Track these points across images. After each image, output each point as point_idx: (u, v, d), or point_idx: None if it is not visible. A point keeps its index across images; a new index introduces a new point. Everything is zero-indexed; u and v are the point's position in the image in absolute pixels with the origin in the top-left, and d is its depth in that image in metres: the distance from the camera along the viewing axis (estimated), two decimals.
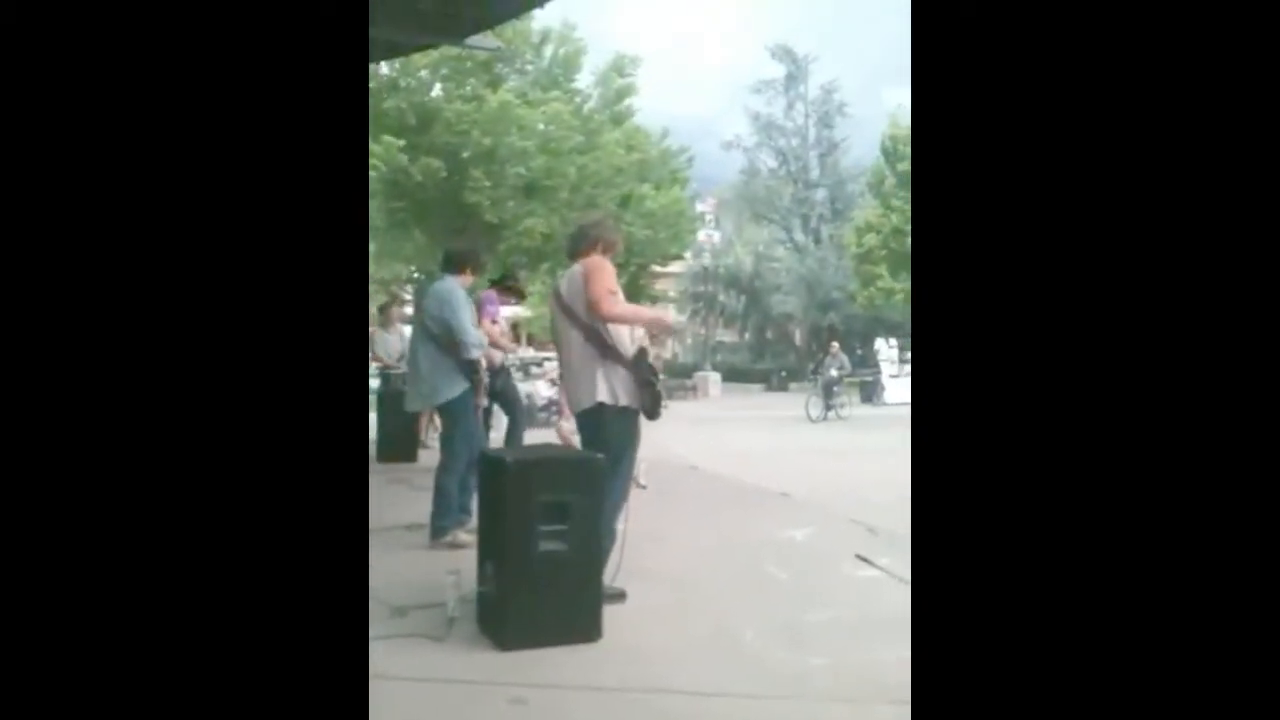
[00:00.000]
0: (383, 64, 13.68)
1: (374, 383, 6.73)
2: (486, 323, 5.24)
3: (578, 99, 17.84)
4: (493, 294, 5.48)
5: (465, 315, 4.03)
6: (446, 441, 4.21)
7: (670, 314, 3.37)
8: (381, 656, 2.55)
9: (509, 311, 7.67)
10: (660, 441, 6.60)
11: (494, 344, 5.22)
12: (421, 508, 4.27)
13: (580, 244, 3.33)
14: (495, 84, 16.14)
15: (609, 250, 3.32)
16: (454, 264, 4.25)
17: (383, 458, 6.90)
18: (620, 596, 3.08)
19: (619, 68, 18.43)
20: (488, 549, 2.88)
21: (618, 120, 18.45)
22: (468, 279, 4.28)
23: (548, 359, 6.27)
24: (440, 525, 4.02)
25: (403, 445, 6.91)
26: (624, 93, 18.63)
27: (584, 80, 18.28)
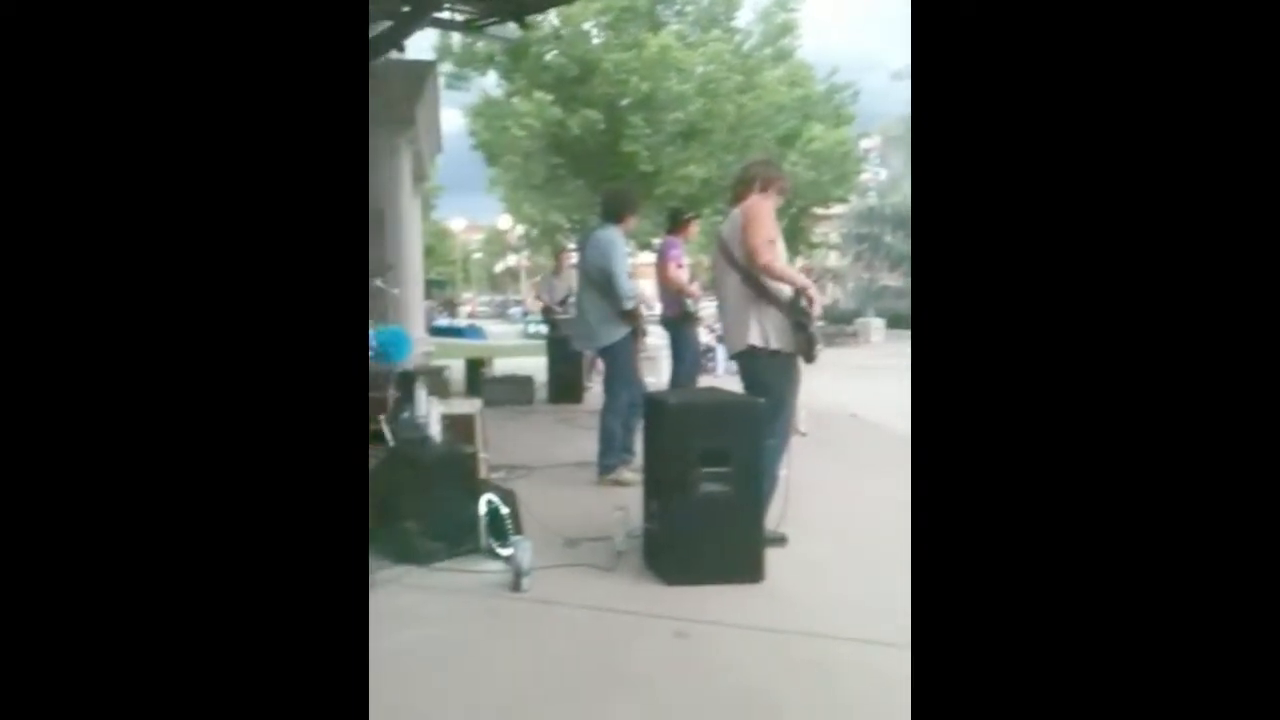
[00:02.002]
0: (551, 13, 13.90)
1: (541, 328, 7.07)
2: (672, 267, 5.25)
3: (737, 37, 17.30)
4: (674, 240, 5.43)
5: (621, 265, 4.10)
6: (608, 384, 4.36)
7: (816, 291, 3.20)
8: (553, 583, 2.75)
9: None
10: (820, 389, 6.46)
11: (683, 291, 5.22)
12: (586, 446, 4.48)
13: (740, 185, 3.29)
14: (655, 28, 15.98)
15: (768, 189, 3.23)
16: (612, 212, 4.31)
17: (552, 399, 7.29)
18: (782, 541, 3.09)
19: (781, 2, 17.61)
20: (653, 488, 2.97)
21: (780, 57, 17.72)
22: (628, 225, 4.34)
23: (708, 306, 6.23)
24: (606, 464, 4.20)
25: (569, 387, 7.24)
26: (786, 28, 17.81)
27: (744, 18, 17.67)
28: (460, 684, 2.07)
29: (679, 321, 5.28)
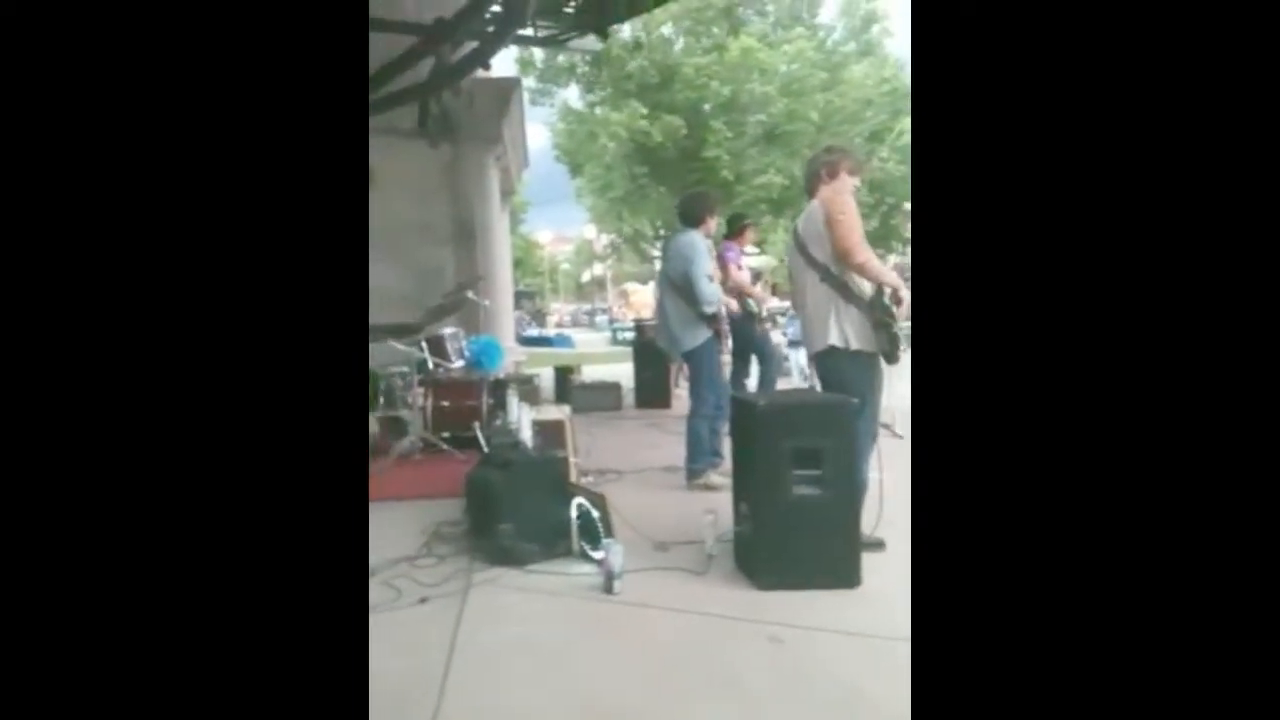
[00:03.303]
0: (625, 25, 14.07)
1: (629, 334, 7.15)
2: (733, 269, 5.26)
3: (820, 33, 17.01)
4: (731, 244, 5.48)
5: (700, 269, 4.08)
6: (693, 388, 4.34)
7: (905, 288, 3.06)
8: (645, 586, 2.75)
9: (761, 261, 7.55)
10: None
11: (745, 293, 5.23)
12: (674, 450, 4.47)
13: (809, 179, 3.20)
14: (736, 30, 15.91)
15: (835, 174, 3.10)
16: (691, 216, 4.31)
17: (639, 404, 7.33)
18: (879, 545, 2.99)
19: None
20: (742, 491, 2.94)
21: (866, 51, 17.32)
22: (709, 227, 4.32)
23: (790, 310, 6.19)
24: (694, 468, 4.18)
25: (656, 392, 7.27)
26: (871, 19, 17.40)
27: (827, 13, 17.37)
28: (554, 683, 2.10)
29: (744, 322, 5.26)
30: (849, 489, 2.74)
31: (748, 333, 5.34)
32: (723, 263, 5.24)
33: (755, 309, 5.29)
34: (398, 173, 8.17)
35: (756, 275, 5.59)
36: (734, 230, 5.63)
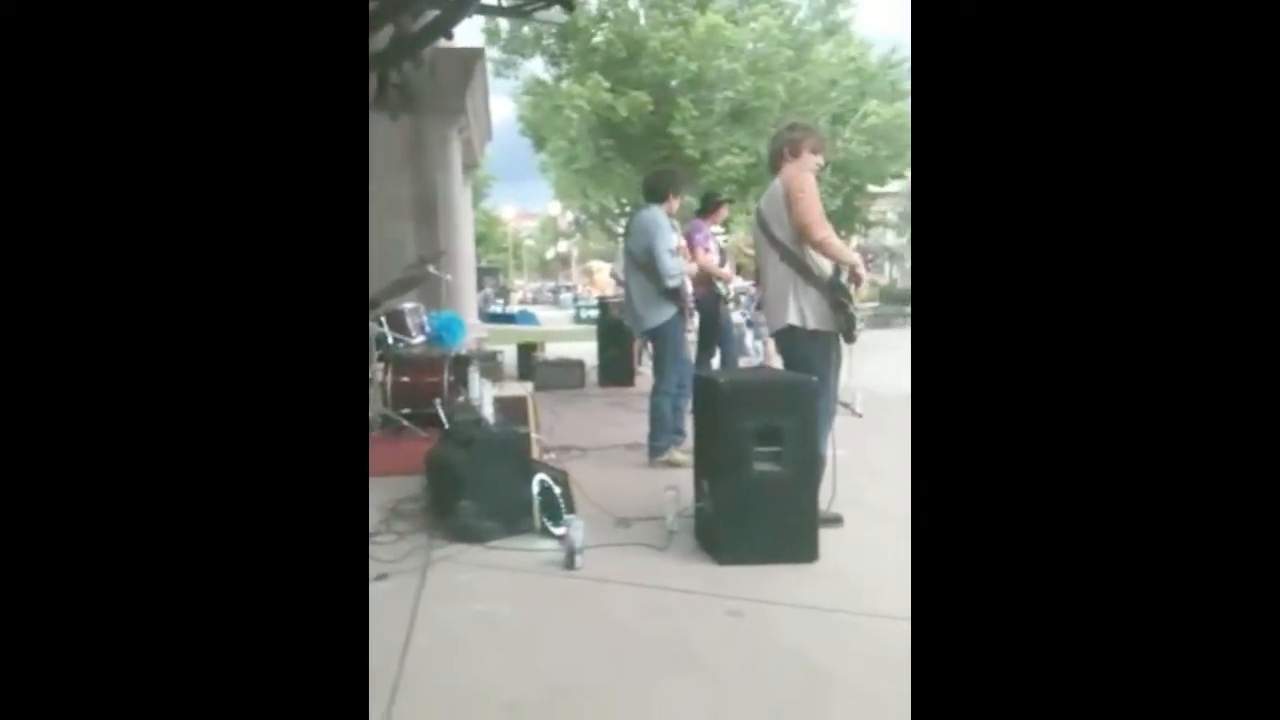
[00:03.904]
0: None
1: (593, 312, 7.10)
2: (700, 251, 5.26)
3: (787, 11, 16.94)
4: (700, 223, 5.48)
5: (663, 244, 4.08)
6: (657, 365, 4.35)
7: (864, 267, 3.08)
8: (606, 562, 2.77)
9: (729, 240, 7.52)
10: (876, 371, 6.33)
11: (712, 274, 5.24)
12: (638, 428, 4.48)
13: (773, 157, 3.20)
14: (703, 6, 15.76)
15: (799, 152, 3.11)
16: (655, 192, 4.29)
17: (603, 382, 7.32)
18: (837, 521, 3.05)
19: None
20: (704, 468, 2.96)
21: (831, 31, 17.31)
22: (672, 205, 4.30)
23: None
24: (656, 445, 4.20)
25: (620, 370, 7.27)
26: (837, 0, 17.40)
27: None
28: (514, 659, 2.10)
29: (712, 302, 5.28)
30: (808, 466, 2.78)
31: (713, 313, 5.36)
32: (690, 243, 5.24)
33: (723, 291, 5.30)
34: None
35: (723, 255, 5.59)
36: (707, 208, 5.61)
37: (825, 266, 3.02)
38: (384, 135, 7.85)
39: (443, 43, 8.01)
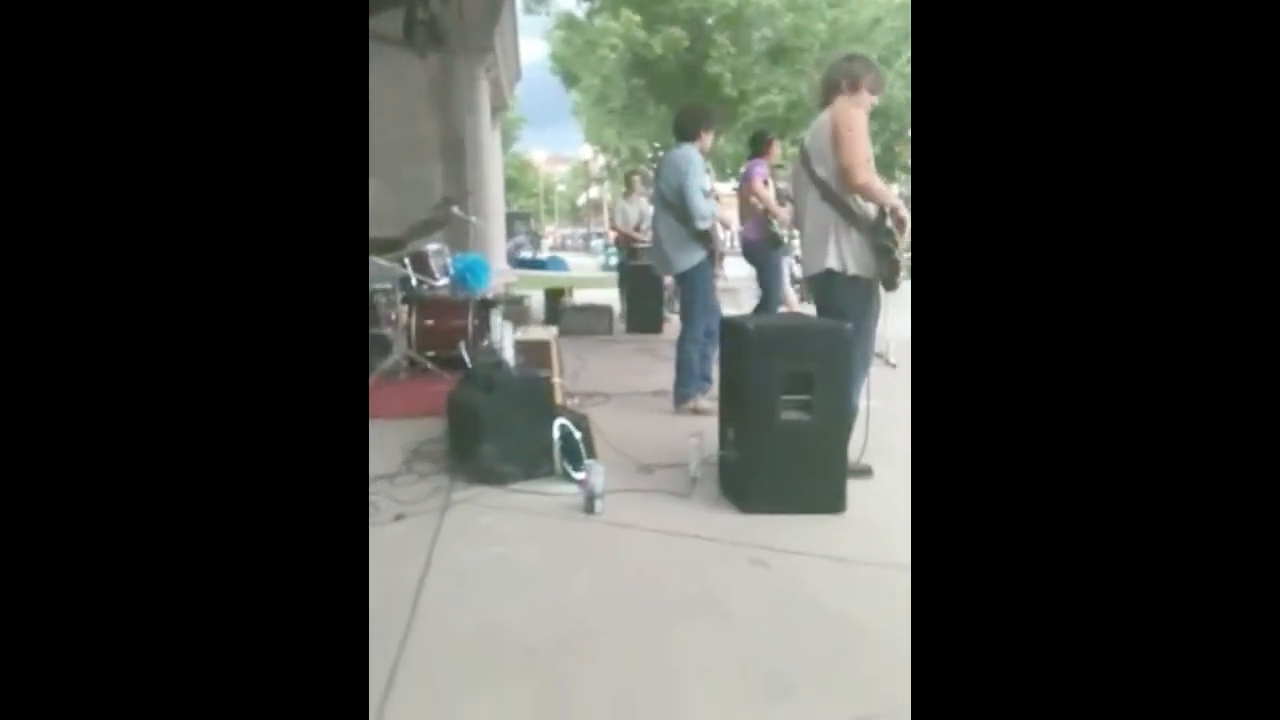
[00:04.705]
0: None
1: (613, 259, 6.95)
2: (758, 183, 5.06)
3: None
4: (758, 160, 5.27)
5: (695, 181, 3.90)
6: (685, 310, 4.23)
7: (906, 213, 2.89)
8: (628, 507, 2.71)
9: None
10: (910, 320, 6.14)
11: (768, 210, 5.05)
12: (664, 375, 4.40)
13: (825, 88, 2.98)
14: None
15: (857, 88, 2.90)
16: (686, 130, 4.09)
17: (631, 329, 7.23)
18: (867, 472, 2.95)
19: None
20: (729, 415, 2.87)
21: None
22: (704, 143, 4.12)
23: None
24: (682, 392, 4.12)
25: (648, 316, 7.15)
26: None
27: None
28: (531, 601, 2.06)
29: (765, 247, 5.09)
30: (838, 415, 2.67)
31: (769, 260, 5.16)
32: (748, 179, 5.07)
33: (779, 230, 5.09)
34: (383, 84, 7.80)
35: (782, 196, 5.34)
36: (759, 147, 5.38)
37: (869, 209, 2.86)
38: (411, 74, 7.69)
39: None
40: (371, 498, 2.81)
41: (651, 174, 6.82)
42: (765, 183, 5.07)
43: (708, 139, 4.14)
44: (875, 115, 3.10)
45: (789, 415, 2.62)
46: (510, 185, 26.76)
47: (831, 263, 2.87)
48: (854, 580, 2.20)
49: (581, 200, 48.18)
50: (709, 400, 3.91)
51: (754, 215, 5.11)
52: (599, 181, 37.79)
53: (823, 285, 2.95)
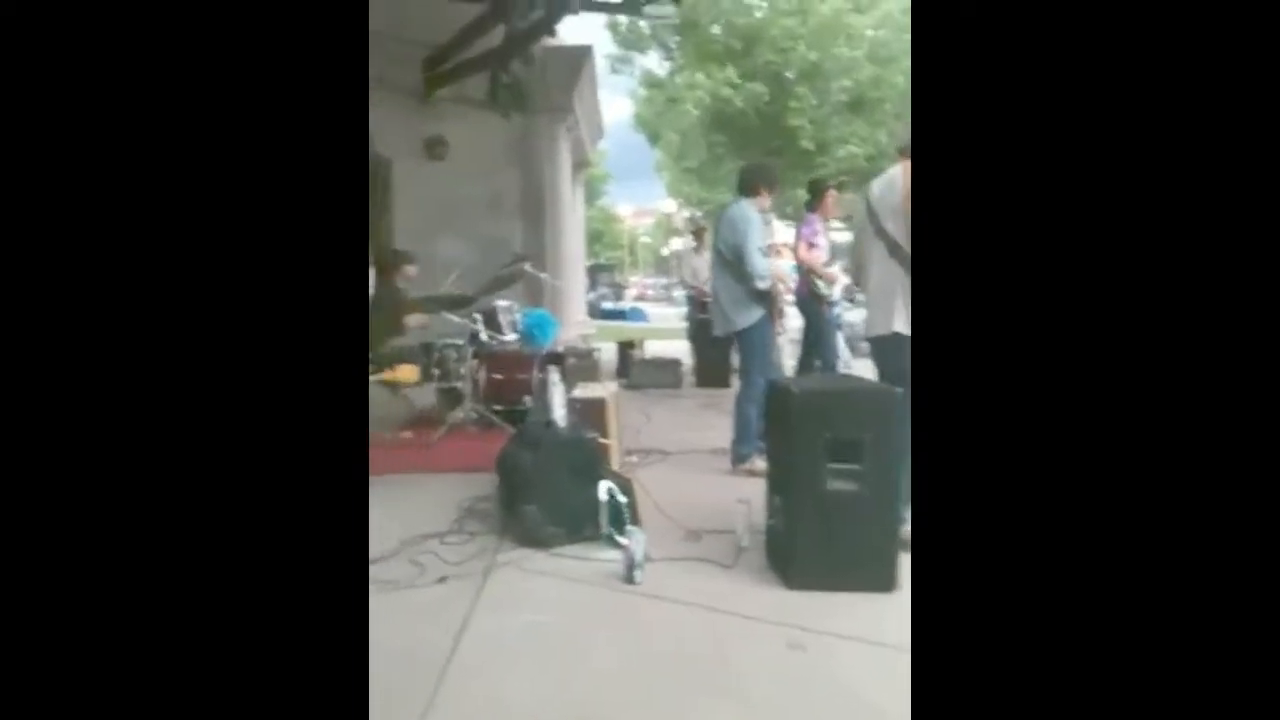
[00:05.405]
0: None
1: (684, 309, 6.94)
2: (803, 247, 5.01)
3: None
4: (813, 217, 5.19)
5: (753, 241, 3.86)
6: (744, 369, 4.17)
7: None
8: (669, 577, 2.64)
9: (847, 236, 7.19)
10: None
11: (813, 272, 4.98)
12: (727, 432, 4.31)
13: (903, 141, 2.91)
14: None
15: None
16: (747, 185, 4.07)
17: (700, 383, 7.18)
18: None
19: None
20: (777, 482, 2.77)
21: None
22: (764, 200, 4.09)
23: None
24: (740, 452, 4.03)
25: (716, 371, 7.09)
26: None
27: None
28: (555, 675, 2.02)
29: (811, 302, 5.00)
30: (889, 485, 2.54)
31: (813, 316, 5.09)
32: (798, 237, 5.02)
33: (824, 291, 5.02)
34: (467, 143, 8.19)
35: (833, 254, 5.23)
36: (815, 197, 5.20)
37: None
38: (494, 134, 8.03)
39: (553, 41, 8.10)
40: (419, 557, 2.85)
41: None
42: (812, 245, 5.00)
43: (767, 198, 4.12)
44: None
45: (836, 485, 2.51)
46: (595, 238, 27.41)
47: (898, 325, 2.75)
48: (895, 668, 2.04)
49: (665, 251, 48.79)
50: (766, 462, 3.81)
51: (802, 273, 5.05)
52: (681, 233, 38.23)
53: (887, 349, 2.82)
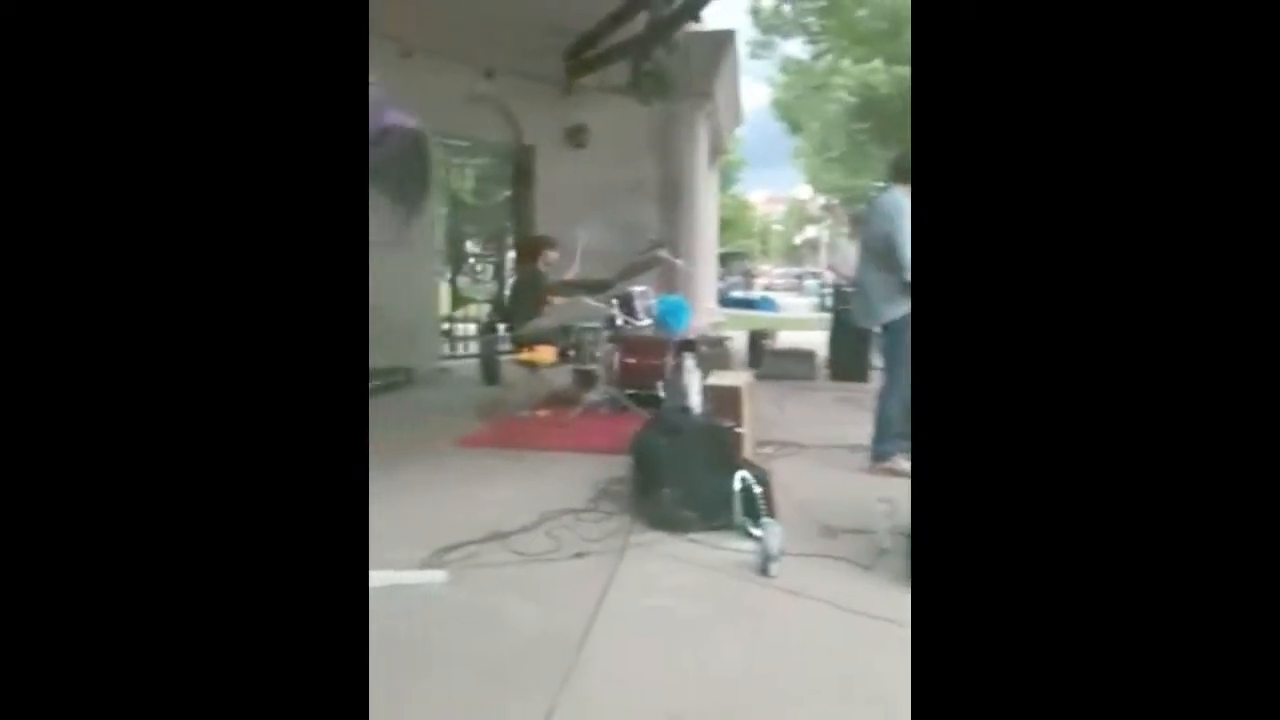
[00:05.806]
0: None
1: (815, 299, 6.78)
2: None
3: None
4: None
5: (905, 231, 3.67)
6: (888, 364, 3.99)
7: None
8: (805, 573, 2.58)
9: None
10: None
11: None
12: (865, 428, 4.16)
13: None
14: None
15: None
16: (902, 171, 3.88)
17: (835, 375, 6.97)
18: None
19: None
20: None
21: None
22: None
23: None
24: (880, 450, 3.87)
25: (853, 365, 6.86)
26: None
27: None
28: (685, 665, 2.02)
29: None
30: None
31: None
32: None
33: None
34: (608, 130, 8.32)
35: None
36: None
37: None
38: (635, 121, 8.11)
39: (695, 26, 8.06)
40: (556, 531, 2.94)
41: None
42: None
43: None
44: None
45: None
46: (727, 225, 27.17)
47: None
48: None
49: (798, 239, 47.72)
50: (909, 461, 3.64)
51: None
52: (815, 221, 37.23)
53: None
